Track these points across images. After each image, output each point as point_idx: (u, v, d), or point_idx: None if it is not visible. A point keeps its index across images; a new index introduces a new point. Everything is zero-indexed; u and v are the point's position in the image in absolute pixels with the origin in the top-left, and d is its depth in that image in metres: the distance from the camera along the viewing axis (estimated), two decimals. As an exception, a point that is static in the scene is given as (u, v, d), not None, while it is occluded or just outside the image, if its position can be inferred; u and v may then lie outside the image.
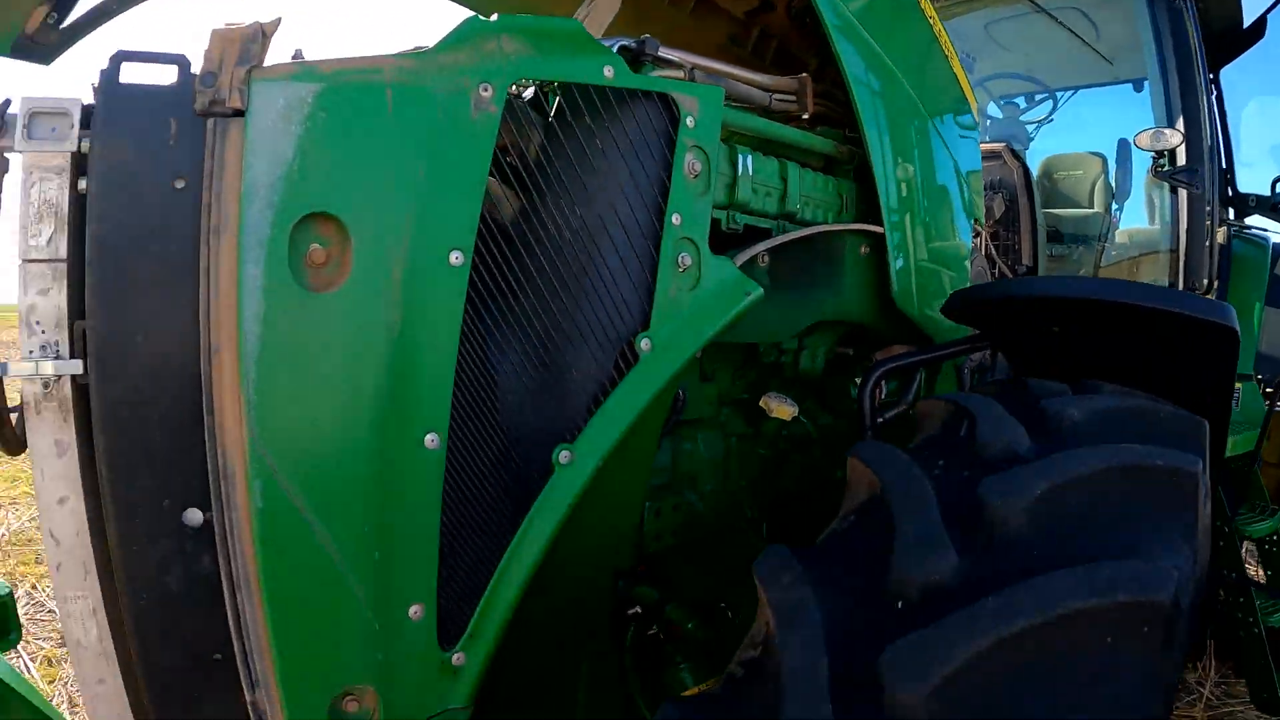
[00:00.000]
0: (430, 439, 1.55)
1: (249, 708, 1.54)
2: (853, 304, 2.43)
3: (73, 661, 1.58)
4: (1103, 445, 1.67)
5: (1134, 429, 1.78)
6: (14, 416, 1.56)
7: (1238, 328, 1.94)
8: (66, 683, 4.47)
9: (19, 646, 4.30)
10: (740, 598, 2.33)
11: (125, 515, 1.45)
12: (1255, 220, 4.94)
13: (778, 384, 2.43)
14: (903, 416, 2.50)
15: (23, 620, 3.12)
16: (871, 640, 1.41)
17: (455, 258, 1.53)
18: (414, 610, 1.60)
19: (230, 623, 1.50)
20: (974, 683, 1.31)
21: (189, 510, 1.48)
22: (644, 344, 1.76)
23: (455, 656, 1.67)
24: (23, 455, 1.53)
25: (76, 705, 4.23)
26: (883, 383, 2.39)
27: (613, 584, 2.18)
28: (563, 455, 1.69)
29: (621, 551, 2.16)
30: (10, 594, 2.86)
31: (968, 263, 2.81)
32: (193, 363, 1.44)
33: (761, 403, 2.30)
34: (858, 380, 2.60)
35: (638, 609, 2.24)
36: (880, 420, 2.56)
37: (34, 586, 5.74)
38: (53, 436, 1.47)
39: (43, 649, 4.87)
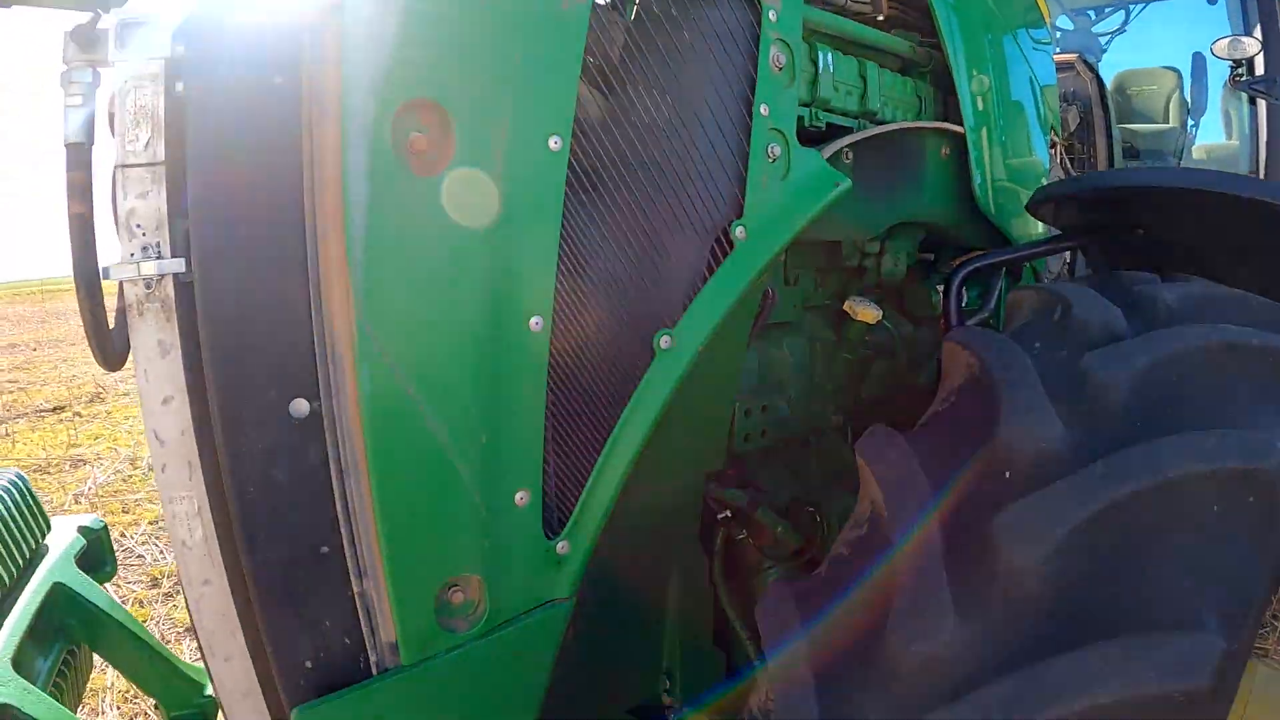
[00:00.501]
0: (535, 321, 1.55)
1: (356, 599, 1.55)
2: (934, 205, 2.40)
3: (178, 563, 1.56)
4: (1201, 324, 1.64)
5: (1228, 314, 1.75)
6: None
7: None
8: (158, 622, 4.63)
9: (110, 588, 4.44)
10: (828, 502, 2.33)
11: (232, 410, 1.44)
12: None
13: (859, 289, 2.42)
14: (984, 324, 2.48)
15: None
16: (983, 508, 1.41)
17: (554, 143, 1.53)
18: (520, 496, 1.61)
19: (338, 512, 1.51)
20: (1086, 546, 1.31)
21: (295, 401, 1.47)
22: (739, 231, 1.75)
23: (559, 545, 1.70)
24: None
25: (168, 641, 4.38)
26: (964, 288, 2.37)
27: (703, 487, 2.20)
28: (663, 340, 1.70)
29: (712, 453, 2.17)
30: (105, 528, 2.96)
31: (1044, 179, 2.77)
32: (297, 253, 1.44)
33: (846, 306, 2.29)
34: (938, 287, 2.58)
35: (727, 513, 2.26)
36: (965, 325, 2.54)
37: (122, 534, 5.94)
38: (156, 337, 1.46)
39: (134, 592, 5.05)
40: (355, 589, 1.55)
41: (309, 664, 1.55)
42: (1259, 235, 2.04)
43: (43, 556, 2.67)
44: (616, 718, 2.52)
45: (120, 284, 1.47)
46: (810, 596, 1.56)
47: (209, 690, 2.77)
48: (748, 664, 2.51)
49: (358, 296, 1.41)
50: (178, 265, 1.44)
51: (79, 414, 11.30)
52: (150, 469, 8.30)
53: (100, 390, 13.32)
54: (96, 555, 2.87)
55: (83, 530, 2.84)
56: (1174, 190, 2.08)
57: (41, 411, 11.71)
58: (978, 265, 2.32)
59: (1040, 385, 1.54)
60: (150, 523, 6.60)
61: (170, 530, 1.52)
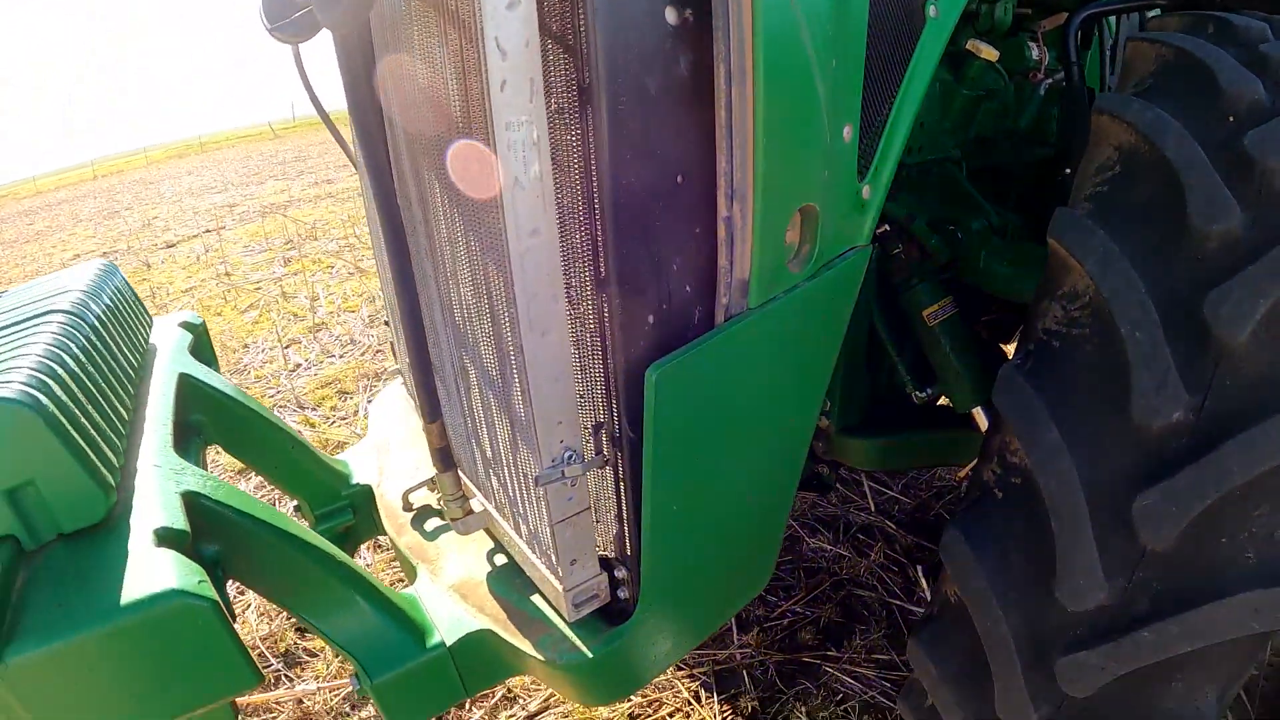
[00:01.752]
0: None
1: (720, 223, 1.55)
2: None
3: (506, 210, 1.37)
4: None
5: None
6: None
7: None
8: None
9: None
10: (961, 223, 2.52)
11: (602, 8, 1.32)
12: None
13: (972, 34, 2.61)
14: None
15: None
16: (1189, 288, 1.58)
17: None
18: (846, 130, 1.68)
19: (719, 117, 1.47)
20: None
21: (667, 9, 1.39)
22: None
23: (864, 189, 1.80)
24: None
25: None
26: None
27: None
28: (931, 9, 1.85)
29: None
30: (204, 324, 2.77)
31: None
32: None
33: (970, 45, 2.49)
34: (1030, 42, 2.80)
35: (885, 227, 2.41)
36: (1049, 79, 2.80)
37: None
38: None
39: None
40: (723, 212, 1.54)
41: (650, 319, 1.55)
42: None
43: (154, 352, 2.50)
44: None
45: None
46: (1041, 373, 1.74)
47: (356, 479, 2.67)
48: (890, 387, 2.70)
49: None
50: None
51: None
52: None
53: (70, 271, 12.47)
54: (202, 352, 2.68)
55: (185, 326, 2.66)
56: None
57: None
58: (1095, 10, 2.55)
59: (1214, 171, 1.61)
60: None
61: (501, 167, 1.34)
